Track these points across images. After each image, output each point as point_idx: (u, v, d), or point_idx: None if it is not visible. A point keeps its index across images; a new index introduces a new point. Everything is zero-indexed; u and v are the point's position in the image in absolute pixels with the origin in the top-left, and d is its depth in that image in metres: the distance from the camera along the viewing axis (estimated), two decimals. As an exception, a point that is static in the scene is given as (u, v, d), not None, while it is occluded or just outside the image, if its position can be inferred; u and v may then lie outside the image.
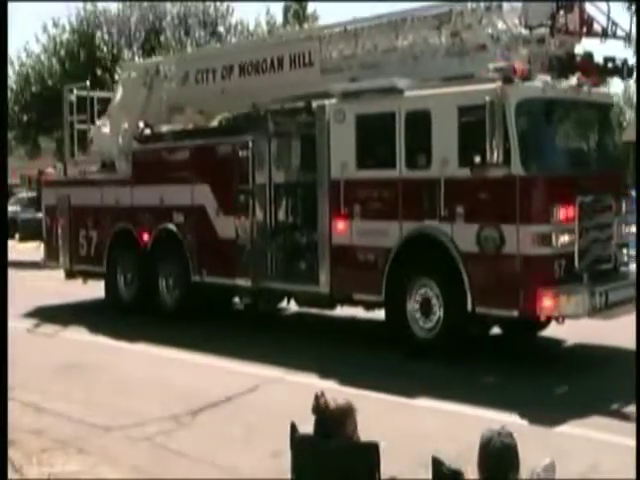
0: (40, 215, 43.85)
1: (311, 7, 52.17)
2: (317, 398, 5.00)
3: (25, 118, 43.39)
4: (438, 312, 12.98)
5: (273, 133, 15.59)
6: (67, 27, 43.05)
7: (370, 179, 13.76)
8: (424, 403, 10.81)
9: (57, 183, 20.06)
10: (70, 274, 19.73)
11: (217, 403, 11.03)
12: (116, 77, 37.05)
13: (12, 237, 35.48)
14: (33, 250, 33.04)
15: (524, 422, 9.56)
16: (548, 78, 12.65)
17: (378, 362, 13.07)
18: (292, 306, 16.80)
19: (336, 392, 5.21)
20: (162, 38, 44.75)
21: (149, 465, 8.79)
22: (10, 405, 9.03)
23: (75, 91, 19.89)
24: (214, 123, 17.84)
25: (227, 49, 16.95)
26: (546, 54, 12.88)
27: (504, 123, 11.95)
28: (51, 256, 20.15)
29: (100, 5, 44.45)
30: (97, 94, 20.88)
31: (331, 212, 14.20)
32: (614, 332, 13.22)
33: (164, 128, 18.22)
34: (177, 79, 17.65)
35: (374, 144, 13.91)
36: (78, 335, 16.20)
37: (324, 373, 12.15)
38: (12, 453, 8.68)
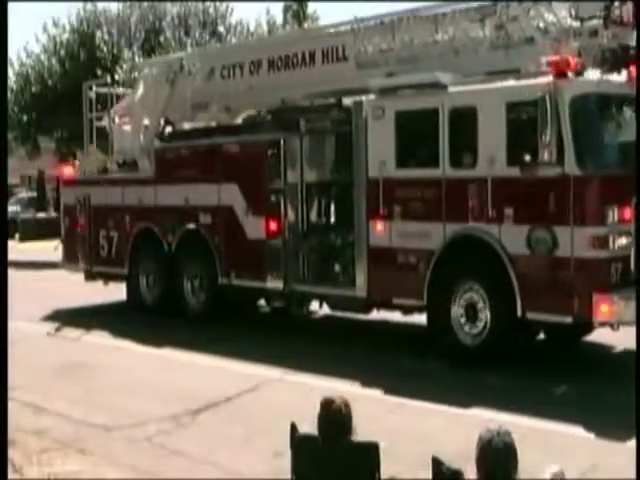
0: (40, 215, 44.39)
1: (311, 7, 51.03)
2: (326, 399, 4.98)
3: (25, 118, 42.49)
4: (485, 317, 12.21)
5: (305, 130, 14.82)
6: (67, 27, 42.25)
7: (411, 178, 13.01)
8: (426, 403, 10.47)
9: (76, 182, 19.21)
10: (90, 276, 18.86)
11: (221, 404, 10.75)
12: (116, 77, 36.69)
13: (12, 237, 36.67)
14: (32, 250, 33.04)
15: (524, 422, 9.13)
16: (598, 72, 11.95)
17: (387, 362, 12.75)
18: (321, 309, 16.01)
19: (337, 393, 5.18)
20: (162, 38, 44.11)
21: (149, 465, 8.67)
22: (10, 405, 8.70)
23: (94, 88, 19.08)
24: (238, 120, 17.06)
25: (255, 44, 16.07)
26: (598, 47, 12.15)
27: (557, 120, 11.20)
28: (70, 257, 19.31)
29: (100, 5, 43.88)
30: (117, 91, 19.99)
31: (368, 213, 13.46)
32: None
33: (188, 126, 17.50)
34: (202, 75, 16.82)
35: (415, 142, 13.18)
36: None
37: (326, 373, 11.74)
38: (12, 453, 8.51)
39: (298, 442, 5.13)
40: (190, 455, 8.85)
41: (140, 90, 18.04)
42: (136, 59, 41.41)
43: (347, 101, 14.37)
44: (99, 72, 38.14)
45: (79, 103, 35.78)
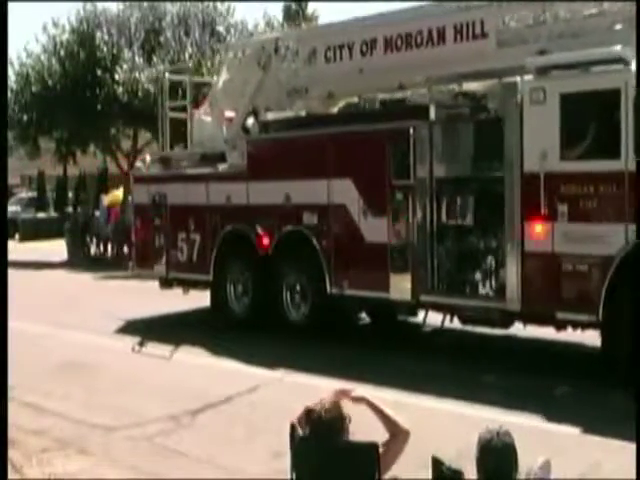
0: (40, 215, 42.70)
1: (311, 7, 49.02)
2: (308, 410, 4.68)
3: (25, 118, 40.08)
4: (687, 338, 9.70)
5: (436, 118, 12.20)
6: (67, 27, 40.05)
7: (581, 172, 10.37)
8: (425, 403, 9.79)
9: (150, 179, 16.19)
10: (166, 283, 15.89)
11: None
12: (116, 77, 35.92)
13: (12, 237, 36.23)
14: (33, 250, 32.88)
15: (524, 422, 8.52)
16: None
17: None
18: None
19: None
20: (162, 38, 41.96)
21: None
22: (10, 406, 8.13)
23: (168, 75, 16.30)
24: (334, 109, 14.43)
25: (369, 21, 13.30)
26: None
27: None
28: (142, 262, 16.27)
29: (100, 5, 41.68)
30: (195, 79, 17.22)
31: (524, 213, 10.85)
32: None
33: (272, 115, 14.78)
34: (301, 57, 14.02)
35: (587, 129, 10.48)
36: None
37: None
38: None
39: (298, 442, 4.82)
40: (190, 455, 8.43)
41: (223, 76, 15.21)
42: (136, 59, 39.65)
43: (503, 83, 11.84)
44: (99, 72, 36.95)
45: (79, 103, 34.57)
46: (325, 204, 13.01)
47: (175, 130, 16.02)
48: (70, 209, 42.32)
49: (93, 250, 31.85)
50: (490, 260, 11.62)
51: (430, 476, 4.38)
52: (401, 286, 12.13)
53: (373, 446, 4.67)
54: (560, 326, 11.14)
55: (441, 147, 12.09)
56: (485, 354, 12.45)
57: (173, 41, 42.23)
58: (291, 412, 5.05)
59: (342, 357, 12.05)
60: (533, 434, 7.82)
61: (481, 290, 11.74)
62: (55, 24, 39.84)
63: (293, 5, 48.48)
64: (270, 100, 14.53)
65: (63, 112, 35.58)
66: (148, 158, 16.52)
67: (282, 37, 14.70)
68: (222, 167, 14.77)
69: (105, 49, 39.58)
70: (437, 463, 4.39)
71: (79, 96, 35.28)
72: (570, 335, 11.41)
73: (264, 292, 13.98)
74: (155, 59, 38.40)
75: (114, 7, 41.78)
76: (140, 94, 35.13)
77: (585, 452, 7.98)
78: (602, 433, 8.40)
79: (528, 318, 11.35)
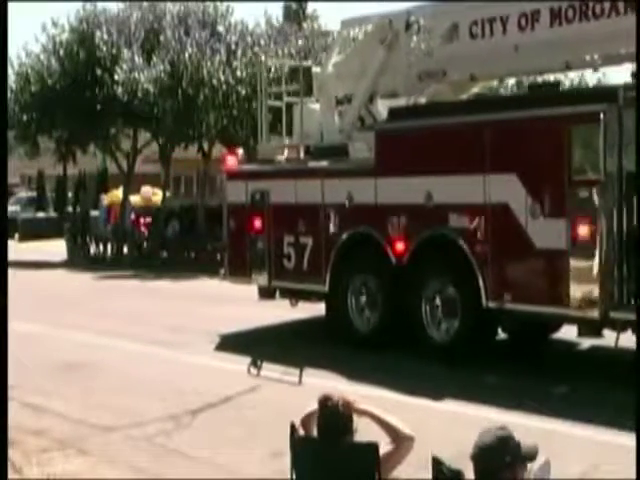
0: (40, 215, 40.61)
1: (311, 7, 47.08)
2: (324, 395, 4.45)
3: (25, 118, 38.14)
4: None
5: (626, 102, 9.59)
6: (66, 27, 38.23)
7: None
8: (425, 403, 9.28)
9: (249, 175, 13.34)
10: (267, 292, 13.13)
11: None
12: (116, 77, 34.06)
13: (12, 237, 34.19)
14: (32, 250, 31.62)
15: (524, 422, 7.90)
16: None
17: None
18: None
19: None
20: (162, 38, 39.79)
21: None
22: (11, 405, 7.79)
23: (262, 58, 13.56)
24: (463, 96, 11.84)
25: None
26: None
27: None
28: (237, 269, 13.34)
29: (99, 5, 39.85)
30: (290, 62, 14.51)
31: None
32: None
33: (382, 104, 12.19)
34: (438, 34, 11.37)
35: None
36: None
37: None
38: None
39: (298, 442, 4.57)
40: (190, 455, 8.06)
41: (334, 57, 12.53)
42: (135, 59, 37.62)
43: None
44: (98, 72, 35.38)
45: (79, 103, 32.58)
46: (480, 203, 10.32)
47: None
48: (70, 209, 40.85)
49: (93, 250, 30.53)
50: None
51: (430, 476, 4.17)
52: (585, 300, 9.50)
53: (373, 446, 4.43)
54: None
55: (635, 136, 9.48)
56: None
57: (173, 41, 40.23)
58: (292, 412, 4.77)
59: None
60: (533, 434, 6.62)
61: (690, 306, 9.15)
62: (54, 24, 38.06)
63: (293, 5, 46.26)
64: (396, 84, 11.84)
65: (63, 112, 34.15)
66: (241, 151, 13.62)
67: (414, 11, 11.88)
68: (341, 161, 12.05)
69: (105, 49, 37.67)
70: (437, 463, 4.18)
71: (79, 96, 33.75)
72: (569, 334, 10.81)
73: (398, 306, 11.29)
74: (155, 59, 36.41)
75: (114, 7, 40.03)
76: (140, 94, 33.08)
77: (585, 452, 7.65)
78: (602, 433, 8.10)
79: None
